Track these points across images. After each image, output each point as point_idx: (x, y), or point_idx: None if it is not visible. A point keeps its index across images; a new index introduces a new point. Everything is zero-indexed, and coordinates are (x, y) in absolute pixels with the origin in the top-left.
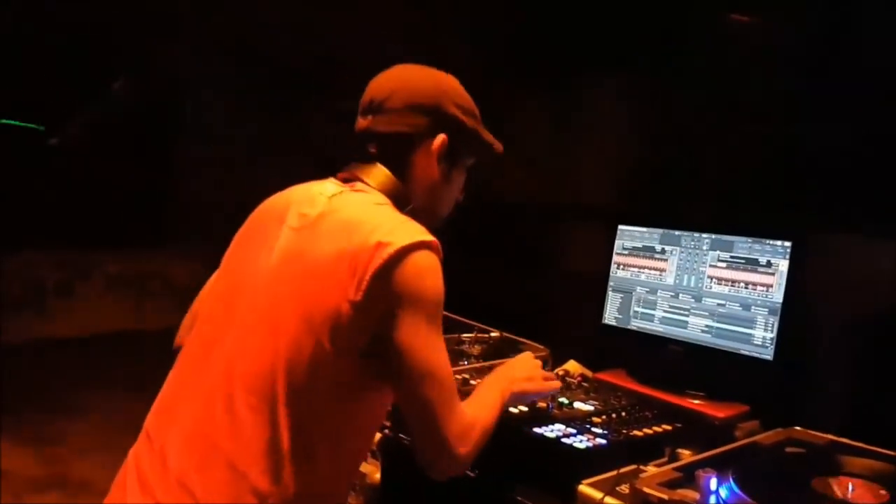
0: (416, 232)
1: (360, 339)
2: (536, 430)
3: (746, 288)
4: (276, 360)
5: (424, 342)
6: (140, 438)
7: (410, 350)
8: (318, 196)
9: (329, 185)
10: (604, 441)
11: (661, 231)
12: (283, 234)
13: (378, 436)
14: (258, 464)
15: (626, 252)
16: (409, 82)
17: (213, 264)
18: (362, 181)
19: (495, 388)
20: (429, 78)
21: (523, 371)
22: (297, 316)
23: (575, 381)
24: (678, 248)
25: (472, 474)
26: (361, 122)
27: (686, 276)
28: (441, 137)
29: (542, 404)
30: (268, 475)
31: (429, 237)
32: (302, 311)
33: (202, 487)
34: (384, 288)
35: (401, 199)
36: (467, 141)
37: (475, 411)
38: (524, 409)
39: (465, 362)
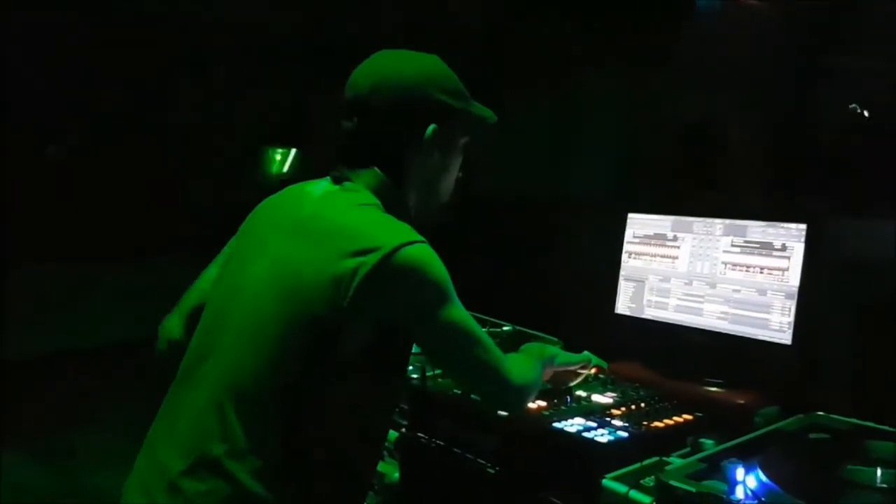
0: (400, 232)
1: (356, 341)
2: (556, 424)
3: (762, 273)
4: (263, 366)
5: (454, 322)
6: (143, 447)
7: (445, 334)
8: (307, 199)
9: (320, 185)
10: (625, 434)
11: (672, 218)
12: (273, 241)
13: (395, 435)
14: (246, 468)
15: (636, 240)
16: (390, 76)
17: None
18: (351, 182)
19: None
20: (410, 67)
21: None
22: (283, 322)
23: (591, 373)
24: (690, 235)
25: (492, 471)
26: (347, 124)
27: (699, 263)
28: (431, 129)
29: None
30: (257, 479)
31: (414, 236)
32: (286, 318)
33: (195, 492)
34: (380, 292)
35: (390, 197)
36: (458, 123)
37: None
38: (543, 403)
39: None
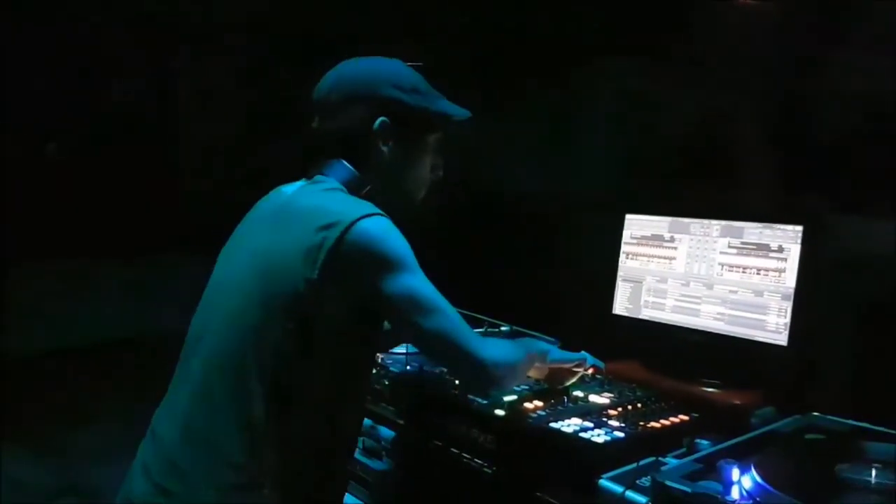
0: (361, 207)
1: (329, 315)
2: (553, 424)
3: (758, 274)
4: (245, 344)
5: (413, 289)
6: (147, 434)
7: (403, 301)
8: (281, 196)
9: (295, 185)
10: (622, 434)
11: (669, 219)
12: (251, 235)
13: (392, 434)
14: (232, 438)
15: (634, 241)
16: (344, 77)
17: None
18: (322, 175)
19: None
20: (363, 68)
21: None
22: (259, 302)
23: (588, 373)
24: (687, 236)
25: (489, 471)
26: (313, 124)
27: (696, 264)
28: (379, 121)
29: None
30: (242, 448)
31: (373, 210)
32: (265, 298)
33: (187, 463)
34: (344, 263)
35: (355, 184)
36: (415, 118)
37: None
38: (540, 403)
39: None
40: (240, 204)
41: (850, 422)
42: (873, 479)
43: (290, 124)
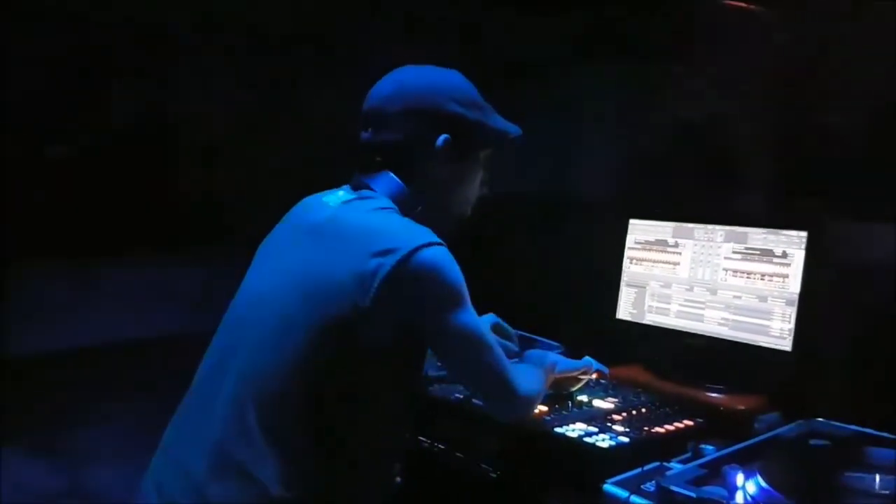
0: (419, 234)
1: (377, 342)
2: (558, 429)
3: (762, 279)
4: (286, 369)
5: (467, 326)
6: (157, 453)
7: (458, 338)
8: (324, 207)
9: (339, 194)
10: (626, 439)
11: (673, 224)
12: (292, 248)
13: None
14: (270, 470)
15: (638, 246)
16: (403, 88)
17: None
18: (370, 188)
19: (533, 361)
20: (423, 79)
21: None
22: (305, 326)
23: (592, 378)
24: (691, 241)
25: (493, 475)
26: (364, 134)
27: (700, 269)
28: (443, 138)
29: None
30: (280, 482)
31: (432, 238)
32: (309, 321)
33: (218, 494)
34: (398, 292)
35: (407, 202)
36: (473, 135)
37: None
38: (544, 408)
39: None
40: (240, 205)
41: (853, 427)
42: (877, 485)
43: (290, 127)
